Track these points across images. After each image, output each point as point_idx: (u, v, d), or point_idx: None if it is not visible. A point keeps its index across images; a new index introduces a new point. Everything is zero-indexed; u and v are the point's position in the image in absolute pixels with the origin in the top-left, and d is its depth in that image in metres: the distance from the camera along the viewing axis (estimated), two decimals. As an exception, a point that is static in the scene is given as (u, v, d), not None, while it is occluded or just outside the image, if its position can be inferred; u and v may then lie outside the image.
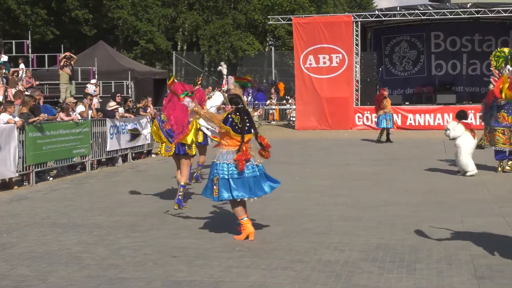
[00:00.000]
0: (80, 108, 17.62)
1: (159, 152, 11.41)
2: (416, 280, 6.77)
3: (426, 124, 30.08)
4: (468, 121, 15.18)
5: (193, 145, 11.12)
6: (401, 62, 35.76)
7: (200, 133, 13.55)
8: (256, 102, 34.06)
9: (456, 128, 15.04)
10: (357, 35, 31.00)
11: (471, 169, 14.87)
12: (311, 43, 31.16)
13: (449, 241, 8.41)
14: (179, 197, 10.93)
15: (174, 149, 10.90)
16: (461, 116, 15.49)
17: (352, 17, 31.47)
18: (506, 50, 13.90)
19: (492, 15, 30.52)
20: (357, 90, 30.86)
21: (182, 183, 10.97)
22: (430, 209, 10.86)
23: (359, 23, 31.28)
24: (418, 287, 6.57)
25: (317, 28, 31.19)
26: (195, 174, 14.16)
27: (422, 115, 30.21)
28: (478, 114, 24.30)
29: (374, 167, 16.96)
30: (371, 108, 30.44)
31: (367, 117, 30.55)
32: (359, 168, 16.91)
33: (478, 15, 30.80)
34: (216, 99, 14.74)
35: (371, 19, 32.21)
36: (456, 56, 35.06)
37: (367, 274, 6.95)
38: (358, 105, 30.79)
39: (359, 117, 30.75)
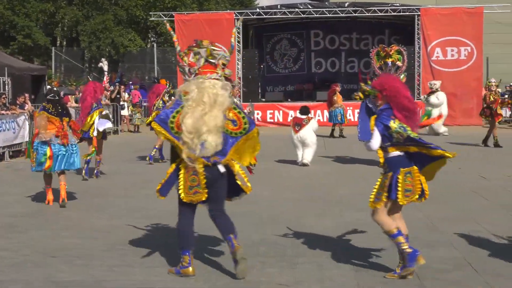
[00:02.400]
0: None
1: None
2: (297, 273, 6.94)
3: (307, 120, 30.58)
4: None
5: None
6: (282, 59, 36.17)
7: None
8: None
9: None
10: (238, 33, 31.23)
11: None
12: (193, 40, 31.07)
13: (328, 235, 8.64)
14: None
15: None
16: (302, 112, 16.68)
17: (234, 15, 31.65)
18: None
19: (369, 14, 31.44)
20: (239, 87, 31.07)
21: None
22: (311, 204, 11.11)
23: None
24: (299, 280, 6.74)
25: (199, 25, 31.19)
26: (149, 154, 16.39)
27: (303, 111, 30.75)
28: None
29: (258, 163, 17.09)
30: (255, 105, 30.81)
31: (249, 114, 30.83)
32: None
33: (356, 14, 31.65)
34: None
35: (252, 16, 32.50)
36: (335, 54, 35.82)
37: (249, 269, 7.05)
38: (240, 101, 31.00)
39: (241, 114, 30.92)
